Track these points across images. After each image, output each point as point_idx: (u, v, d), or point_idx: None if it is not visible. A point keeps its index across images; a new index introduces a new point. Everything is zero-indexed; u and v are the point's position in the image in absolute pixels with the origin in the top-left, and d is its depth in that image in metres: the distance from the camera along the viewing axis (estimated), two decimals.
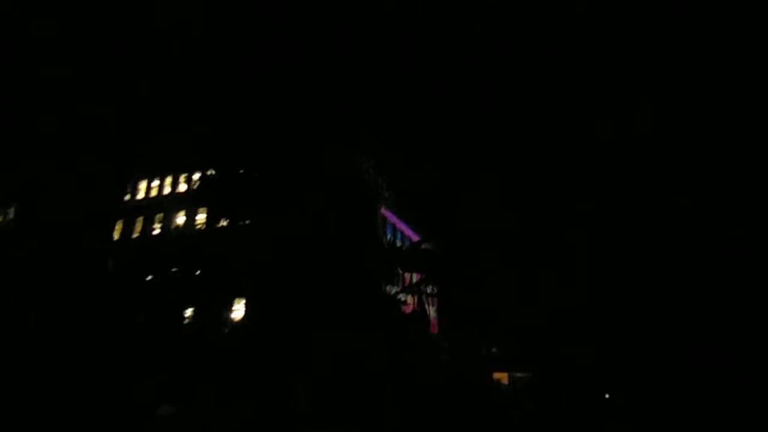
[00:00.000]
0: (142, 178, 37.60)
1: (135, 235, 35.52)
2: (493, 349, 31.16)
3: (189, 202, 33.82)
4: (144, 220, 35.64)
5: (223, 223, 32.10)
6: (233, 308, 30.78)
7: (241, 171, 28.77)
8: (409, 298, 34.39)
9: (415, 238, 45.92)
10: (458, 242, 40.41)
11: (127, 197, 37.99)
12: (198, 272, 30.46)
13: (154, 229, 34.86)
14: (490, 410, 19.39)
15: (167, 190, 37.16)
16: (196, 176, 34.42)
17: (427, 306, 42.46)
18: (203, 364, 23.80)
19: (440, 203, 41.77)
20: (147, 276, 33.77)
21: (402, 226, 43.20)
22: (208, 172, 30.96)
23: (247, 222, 31.70)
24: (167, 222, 34.36)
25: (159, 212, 35.50)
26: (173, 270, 32.23)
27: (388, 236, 39.29)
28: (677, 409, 17.76)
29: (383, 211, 39.87)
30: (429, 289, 43.90)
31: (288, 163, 28.25)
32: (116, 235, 36.74)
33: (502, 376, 29.08)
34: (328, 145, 26.92)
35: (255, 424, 16.17)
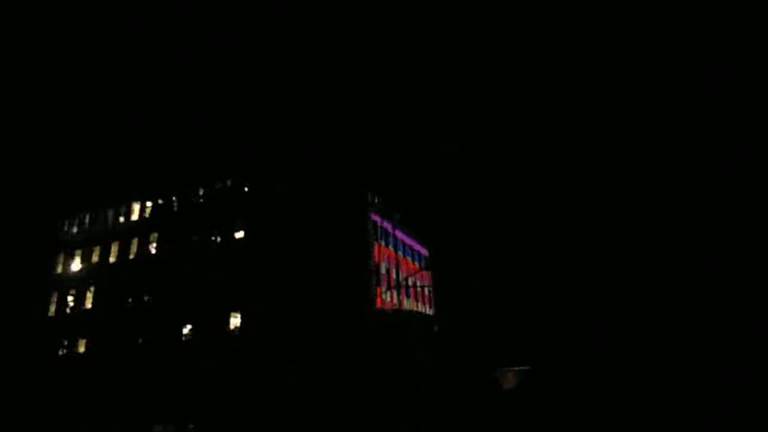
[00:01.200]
0: (136, 201, 38.45)
1: (131, 257, 36.40)
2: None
3: (182, 223, 34.69)
4: (139, 241, 36.48)
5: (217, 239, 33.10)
6: (230, 319, 31.64)
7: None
8: (389, 296, 35.10)
9: (407, 240, 46.74)
10: (454, 247, 41.25)
11: (122, 219, 38.88)
12: (191, 290, 31.31)
13: (149, 250, 35.71)
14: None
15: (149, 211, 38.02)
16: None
17: (417, 303, 43.22)
18: (199, 380, 24.64)
19: (432, 210, 42.63)
20: (145, 297, 34.62)
21: (393, 229, 43.88)
22: (159, 201, 32.48)
23: (239, 238, 32.69)
24: (161, 243, 35.17)
25: (153, 233, 36.32)
26: (168, 289, 33.05)
27: (379, 240, 40.02)
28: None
29: (373, 216, 40.56)
30: (421, 287, 44.62)
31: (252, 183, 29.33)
32: (113, 258, 37.66)
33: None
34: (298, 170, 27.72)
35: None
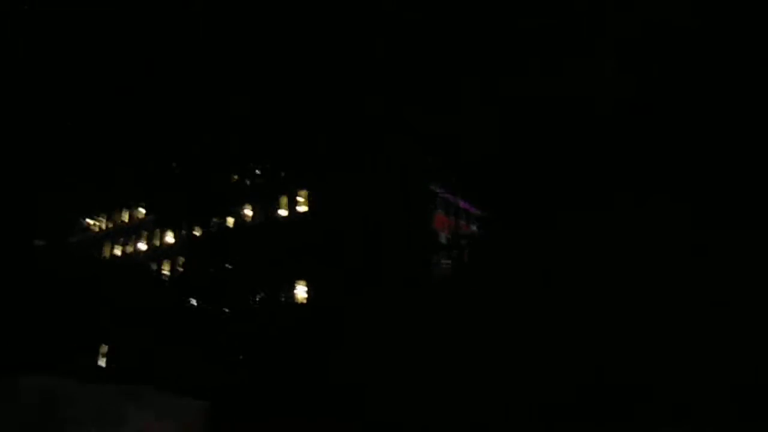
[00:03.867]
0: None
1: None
2: None
3: (251, 197, 37.17)
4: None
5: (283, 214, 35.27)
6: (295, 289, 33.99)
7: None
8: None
9: (471, 209, 46.57)
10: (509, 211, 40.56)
11: None
12: (260, 261, 33.78)
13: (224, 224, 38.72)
14: None
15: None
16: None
17: None
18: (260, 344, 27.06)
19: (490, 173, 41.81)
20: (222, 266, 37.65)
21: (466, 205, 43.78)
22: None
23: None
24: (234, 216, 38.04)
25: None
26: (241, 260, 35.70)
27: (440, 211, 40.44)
28: None
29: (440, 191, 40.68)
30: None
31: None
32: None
33: None
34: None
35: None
